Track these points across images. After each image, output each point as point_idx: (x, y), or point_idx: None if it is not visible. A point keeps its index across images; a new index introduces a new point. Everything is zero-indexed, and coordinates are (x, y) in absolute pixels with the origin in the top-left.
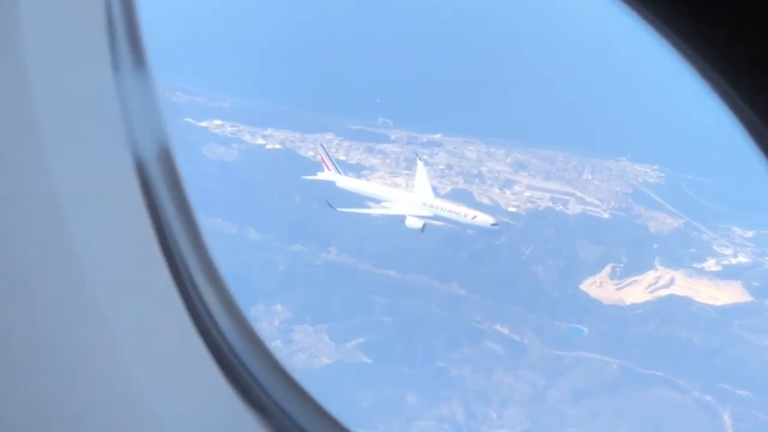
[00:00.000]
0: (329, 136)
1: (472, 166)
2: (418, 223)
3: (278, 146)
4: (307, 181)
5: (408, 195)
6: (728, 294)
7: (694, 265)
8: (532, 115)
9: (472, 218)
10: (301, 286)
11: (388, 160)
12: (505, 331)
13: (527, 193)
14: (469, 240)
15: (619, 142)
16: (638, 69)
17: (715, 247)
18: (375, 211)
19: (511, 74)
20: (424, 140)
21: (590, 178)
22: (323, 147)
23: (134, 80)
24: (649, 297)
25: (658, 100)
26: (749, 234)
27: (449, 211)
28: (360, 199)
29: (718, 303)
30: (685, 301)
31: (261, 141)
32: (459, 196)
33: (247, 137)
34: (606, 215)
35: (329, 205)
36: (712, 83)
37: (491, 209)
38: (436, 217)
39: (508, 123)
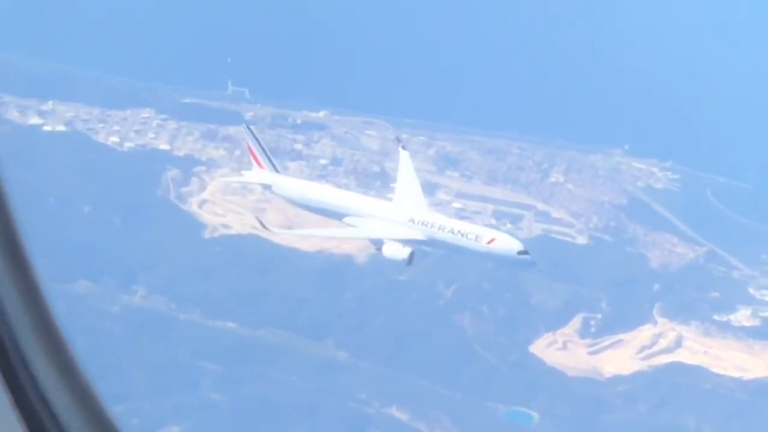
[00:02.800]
0: (146, 112)
1: (371, 160)
2: (401, 252)
3: (63, 128)
4: (125, 184)
5: (386, 206)
6: (767, 362)
7: (716, 318)
8: (473, 84)
9: (489, 242)
10: (82, 345)
11: (237, 152)
12: (404, 416)
13: (457, 204)
14: (358, 274)
15: (611, 125)
16: (643, 19)
17: (751, 291)
18: (336, 232)
19: (442, 23)
20: (299, 120)
21: (561, 180)
22: (250, 130)
23: None
24: (641, 365)
25: (673, 64)
26: None
27: (451, 231)
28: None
29: (750, 376)
30: (697, 373)
31: (36, 120)
32: None
33: (14, 114)
34: (582, 239)
35: (261, 225)
36: None
37: None
38: (431, 242)
39: (434, 95)
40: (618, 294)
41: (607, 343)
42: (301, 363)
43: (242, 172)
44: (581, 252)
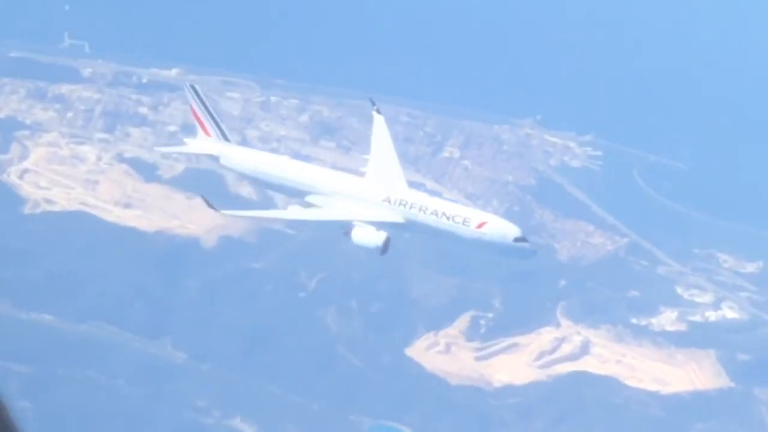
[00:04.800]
0: None
1: (231, 127)
2: (375, 237)
3: None
4: None
5: (357, 182)
6: (690, 374)
7: (634, 321)
8: (355, 40)
9: (479, 227)
10: None
11: (70, 114)
12: (249, 429)
13: None
14: (204, 259)
15: (521, 91)
16: None
17: (679, 290)
18: (295, 214)
19: None
20: (146, 79)
21: (457, 155)
22: (195, 90)
23: None
24: (538, 374)
25: (595, 18)
26: (749, 267)
27: (435, 213)
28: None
29: (669, 390)
30: (606, 384)
31: None
32: (195, 182)
33: None
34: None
35: (208, 204)
36: None
37: (267, 206)
38: (410, 225)
39: (310, 51)
40: (515, 290)
41: (499, 347)
42: (129, 364)
43: (185, 140)
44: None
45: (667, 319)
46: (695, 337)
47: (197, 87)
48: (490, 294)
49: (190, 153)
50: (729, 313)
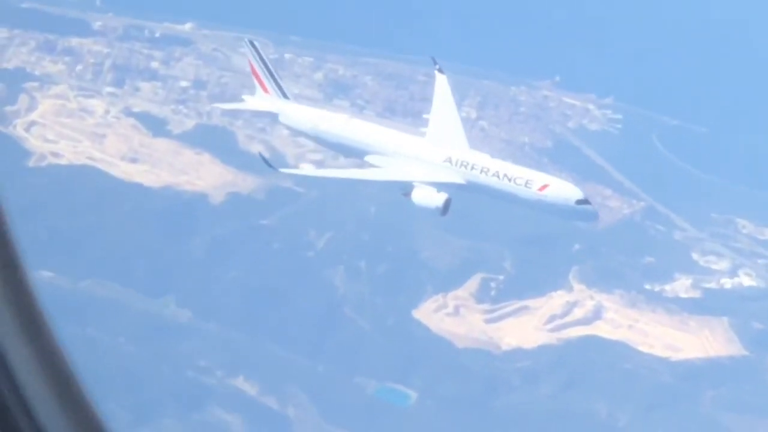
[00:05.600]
0: None
1: (243, 84)
2: (435, 198)
3: None
4: None
5: (418, 142)
6: (703, 341)
7: (647, 287)
8: None
9: (541, 189)
10: None
11: (79, 67)
12: (252, 389)
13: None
14: (211, 216)
15: (539, 51)
16: None
17: (695, 256)
18: (354, 173)
19: None
20: (158, 33)
21: (473, 116)
22: (254, 47)
23: None
24: (548, 338)
25: None
26: None
27: (496, 174)
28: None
29: (680, 356)
30: (616, 350)
31: None
32: (206, 138)
33: None
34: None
35: (265, 162)
36: None
37: (277, 164)
38: (470, 186)
39: (327, 7)
40: (527, 252)
41: (508, 309)
42: (132, 322)
43: (243, 96)
44: (488, 200)
45: (681, 286)
46: (710, 305)
47: (256, 43)
48: (501, 256)
49: (250, 110)
50: (745, 280)
